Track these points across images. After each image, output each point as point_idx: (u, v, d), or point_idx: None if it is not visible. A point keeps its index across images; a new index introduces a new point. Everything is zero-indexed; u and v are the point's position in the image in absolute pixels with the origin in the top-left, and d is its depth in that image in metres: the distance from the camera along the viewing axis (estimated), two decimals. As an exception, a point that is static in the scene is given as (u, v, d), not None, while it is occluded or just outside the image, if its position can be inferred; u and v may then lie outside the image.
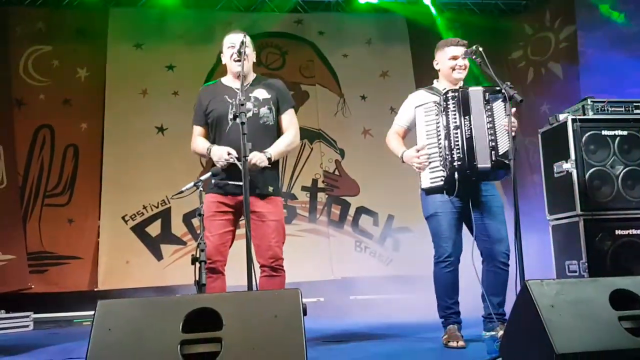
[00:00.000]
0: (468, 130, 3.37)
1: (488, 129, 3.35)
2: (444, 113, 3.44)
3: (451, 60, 3.60)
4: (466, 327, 3.52)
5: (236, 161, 3.17)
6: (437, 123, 3.48)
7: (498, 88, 3.33)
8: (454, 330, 3.43)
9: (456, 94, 3.43)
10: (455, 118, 3.40)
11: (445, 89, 3.60)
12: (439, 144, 3.47)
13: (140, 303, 2.24)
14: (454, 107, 3.41)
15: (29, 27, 6.59)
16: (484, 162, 3.35)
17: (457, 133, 3.39)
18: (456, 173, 3.36)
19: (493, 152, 3.34)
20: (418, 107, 3.58)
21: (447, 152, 3.41)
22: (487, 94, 3.39)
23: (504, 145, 3.35)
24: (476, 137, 3.37)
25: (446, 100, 3.44)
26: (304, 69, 7.25)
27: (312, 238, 6.80)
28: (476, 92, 3.43)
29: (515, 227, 3.08)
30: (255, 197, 3.30)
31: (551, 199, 4.71)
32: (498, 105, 3.38)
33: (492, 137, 3.35)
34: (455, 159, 3.37)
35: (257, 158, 3.25)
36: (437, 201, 3.51)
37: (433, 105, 3.51)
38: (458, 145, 3.38)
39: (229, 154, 3.23)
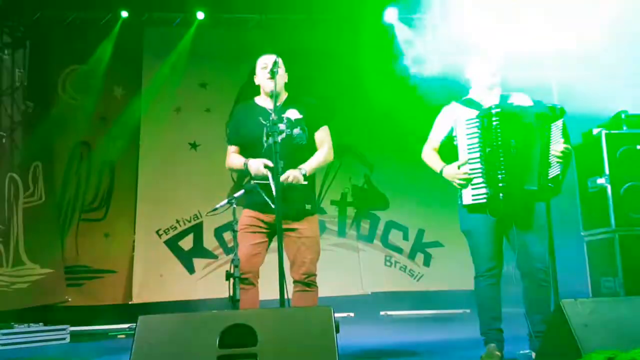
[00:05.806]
0: (514, 149, 3.27)
1: (540, 149, 3.18)
2: (489, 129, 3.31)
3: (485, 70, 3.50)
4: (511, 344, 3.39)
5: (270, 178, 3.18)
6: (480, 137, 3.36)
7: (551, 105, 3.21)
8: (492, 349, 3.32)
9: (500, 110, 3.31)
10: (499, 136, 3.29)
11: (482, 100, 3.52)
12: (482, 160, 3.35)
13: (179, 318, 2.30)
14: (498, 123, 3.29)
15: (67, 46, 6.81)
16: (531, 184, 3.25)
17: (502, 152, 3.28)
18: (501, 194, 3.27)
19: (541, 176, 3.23)
20: (459, 120, 3.45)
21: (492, 171, 3.30)
22: (536, 112, 3.21)
23: (554, 169, 3.24)
24: (524, 158, 3.27)
25: (490, 116, 3.32)
26: (335, 83, 7.26)
27: (341, 252, 6.80)
28: (524, 109, 3.30)
29: (549, 244, 3.05)
30: (293, 215, 3.32)
31: (586, 214, 4.66)
32: (556, 126, 3.25)
33: (542, 159, 3.22)
34: (500, 179, 3.27)
35: (294, 176, 3.27)
36: (474, 216, 3.41)
37: (475, 119, 3.39)
38: (503, 164, 3.27)
39: (265, 166, 3.24)
